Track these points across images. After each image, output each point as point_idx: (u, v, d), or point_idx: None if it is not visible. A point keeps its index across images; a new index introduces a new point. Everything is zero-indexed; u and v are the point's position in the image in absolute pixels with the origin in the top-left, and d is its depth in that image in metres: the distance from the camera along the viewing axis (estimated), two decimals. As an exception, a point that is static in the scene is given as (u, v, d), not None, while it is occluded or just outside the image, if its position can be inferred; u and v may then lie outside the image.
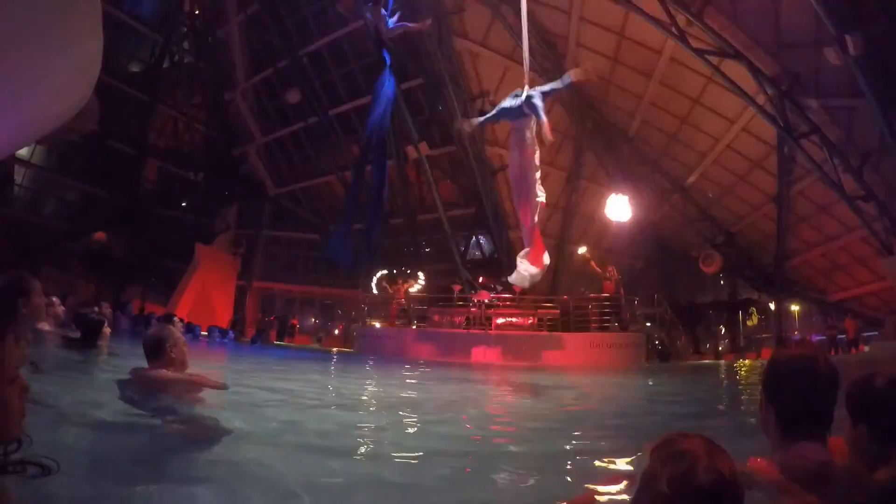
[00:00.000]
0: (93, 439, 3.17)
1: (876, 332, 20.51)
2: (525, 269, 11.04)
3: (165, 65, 28.22)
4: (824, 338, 20.64)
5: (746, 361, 19.12)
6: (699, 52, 16.01)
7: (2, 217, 23.38)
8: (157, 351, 3.99)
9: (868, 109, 14.31)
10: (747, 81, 16.11)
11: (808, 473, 1.87)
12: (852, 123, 15.84)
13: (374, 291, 24.93)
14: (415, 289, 23.72)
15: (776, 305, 23.50)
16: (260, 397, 5.59)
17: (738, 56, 15.53)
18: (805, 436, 1.98)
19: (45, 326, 5.32)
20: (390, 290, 23.21)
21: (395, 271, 24.11)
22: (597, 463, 3.58)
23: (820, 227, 20.51)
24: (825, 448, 1.97)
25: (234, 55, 28.40)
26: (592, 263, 19.88)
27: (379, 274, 24.26)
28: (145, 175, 28.99)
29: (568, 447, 4.26)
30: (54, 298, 5.16)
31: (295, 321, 29.20)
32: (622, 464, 3.50)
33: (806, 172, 18.60)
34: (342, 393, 7.46)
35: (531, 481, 3.27)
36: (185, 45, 27.86)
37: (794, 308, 24.91)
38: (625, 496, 2.71)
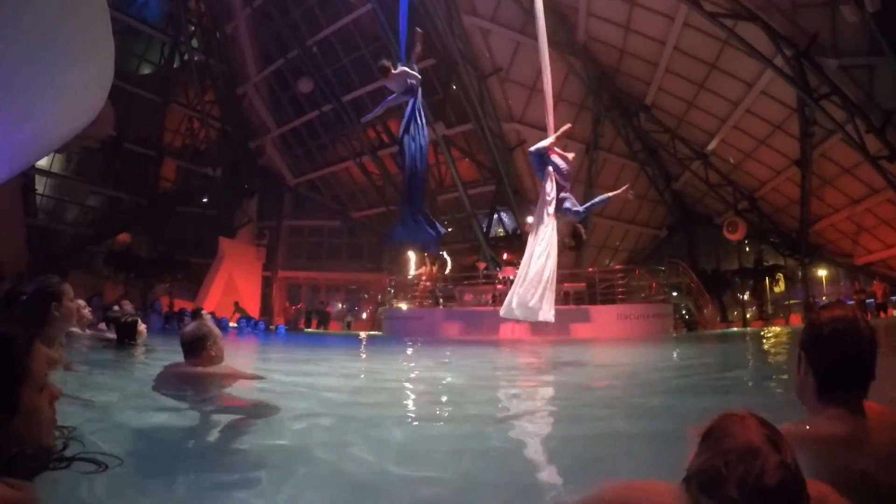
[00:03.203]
0: (135, 436, 3.22)
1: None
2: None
3: (176, 64, 28.47)
4: (853, 302, 20.31)
5: (775, 328, 18.94)
6: (713, 16, 15.74)
7: (26, 226, 23.80)
8: (197, 348, 4.03)
9: (888, 67, 14.02)
10: (764, 43, 15.81)
11: (841, 440, 1.87)
12: (873, 82, 15.52)
13: (412, 271, 25.03)
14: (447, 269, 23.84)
15: (803, 271, 23.18)
16: (299, 385, 5.62)
17: (752, 17, 15.24)
18: (843, 399, 1.97)
19: (74, 329, 5.43)
20: (422, 272, 23.38)
21: (422, 253, 24.20)
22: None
23: (844, 189, 20.18)
24: (862, 411, 1.97)
25: (243, 49, 28.41)
26: None
27: (412, 255, 24.40)
28: (164, 174, 29.37)
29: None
30: (80, 301, 5.25)
31: (329, 308, 29.33)
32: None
33: (828, 134, 18.28)
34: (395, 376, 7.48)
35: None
36: (194, 43, 27.97)
37: (822, 273, 24.57)
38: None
